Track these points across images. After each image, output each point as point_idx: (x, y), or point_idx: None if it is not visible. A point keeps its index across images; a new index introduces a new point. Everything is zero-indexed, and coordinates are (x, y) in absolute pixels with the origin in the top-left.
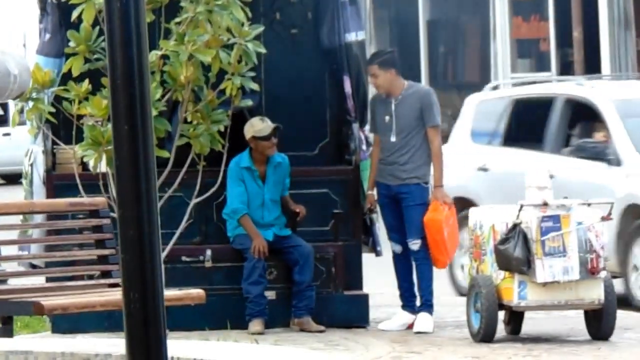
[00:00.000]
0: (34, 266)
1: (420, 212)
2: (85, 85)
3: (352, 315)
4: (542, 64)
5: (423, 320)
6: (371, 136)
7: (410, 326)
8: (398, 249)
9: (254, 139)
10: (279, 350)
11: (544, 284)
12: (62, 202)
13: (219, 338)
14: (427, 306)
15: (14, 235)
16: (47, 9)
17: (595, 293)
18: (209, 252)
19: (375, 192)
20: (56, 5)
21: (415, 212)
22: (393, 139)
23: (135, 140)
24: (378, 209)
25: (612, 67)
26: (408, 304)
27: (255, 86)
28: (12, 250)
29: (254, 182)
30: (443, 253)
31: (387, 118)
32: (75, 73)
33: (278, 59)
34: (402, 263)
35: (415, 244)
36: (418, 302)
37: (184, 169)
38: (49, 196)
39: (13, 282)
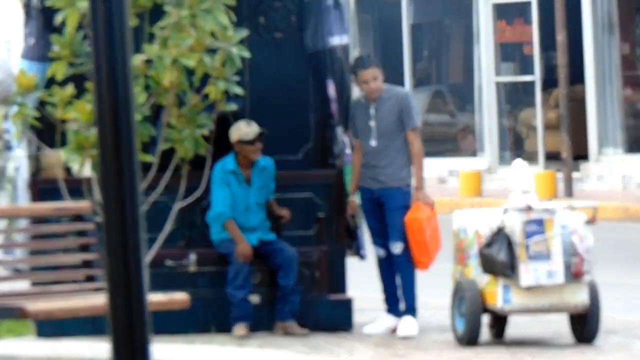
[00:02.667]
0: (18, 270)
1: (401, 215)
2: (70, 89)
3: (336, 319)
4: (526, 68)
5: (407, 324)
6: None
7: (395, 330)
8: (382, 253)
9: (239, 143)
10: (263, 354)
11: (528, 288)
12: (46, 206)
13: (203, 342)
14: (411, 310)
15: None
16: (32, 14)
17: (579, 297)
18: (193, 257)
19: (357, 197)
20: (40, 9)
21: (396, 215)
22: (373, 143)
23: (119, 144)
24: (360, 214)
25: (596, 70)
26: (392, 308)
27: (239, 90)
28: None
29: (239, 185)
30: (424, 254)
31: (367, 122)
32: (59, 77)
33: (262, 63)
34: (386, 267)
35: (397, 247)
36: (402, 306)
37: (168, 174)
38: (33, 200)
39: None
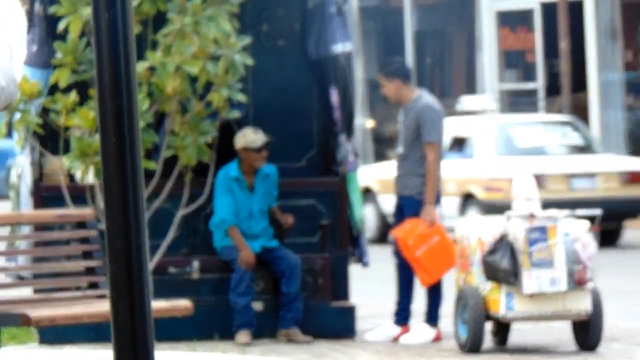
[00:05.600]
0: (21, 277)
1: None
2: (73, 96)
3: (339, 326)
4: (529, 75)
5: (416, 332)
6: (358, 147)
7: (397, 338)
8: (397, 261)
9: (244, 150)
10: None
11: (531, 295)
12: (49, 213)
13: (206, 349)
14: (429, 318)
15: (1, 246)
16: (35, 21)
17: (582, 304)
18: (196, 264)
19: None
20: (43, 16)
21: None
22: (400, 150)
23: (122, 151)
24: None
25: (599, 78)
26: (397, 315)
27: (242, 97)
28: None
29: (243, 192)
30: (419, 270)
31: (398, 128)
32: (62, 84)
33: (265, 70)
34: (401, 275)
35: None
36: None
37: (171, 181)
38: (36, 207)
39: (0, 294)
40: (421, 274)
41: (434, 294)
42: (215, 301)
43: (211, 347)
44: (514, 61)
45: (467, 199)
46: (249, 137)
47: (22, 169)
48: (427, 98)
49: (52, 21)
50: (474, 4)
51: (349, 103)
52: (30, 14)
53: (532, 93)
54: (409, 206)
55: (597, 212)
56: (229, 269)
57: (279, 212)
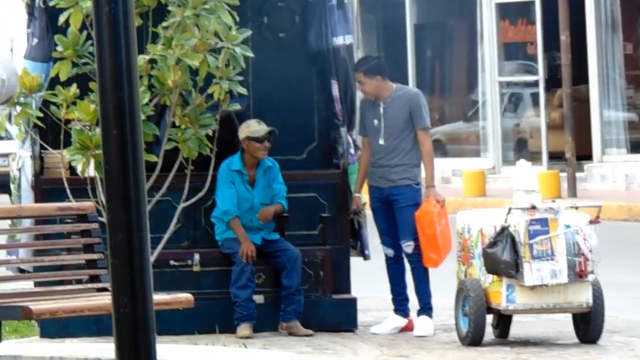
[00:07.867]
0: (22, 270)
1: (412, 213)
2: (73, 89)
3: (341, 319)
4: (529, 68)
5: (423, 324)
6: (359, 139)
7: (402, 330)
8: (390, 252)
9: (247, 140)
10: (267, 354)
11: (532, 288)
12: (50, 206)
13: (207, 342)
14: (426, 309)
15: (2, 239)
16: (35, 14)
17: (583, 296)
18: (197, 256)
19: (361, 194)
20: (44, 9)
21: (407, 213)
22: (382, 142)
23: (124, 144)
24: (368, 212)
25: (599, 70)
26: (400, 307)
27: (243, 90)
28: (0, 254)
29: (244, 185)
30: (435, 250)
31: (375, 121)
32: (63, 77)
33: (266, 63)
34: (394, 267)
35: (408, 246)
36: (417, 306)
37: (172, 173)
38: (37, 201)
39: (1, 287)
40: (435, 254)
41: (425, 283)
42: (216, 294)
43: (212, 340)
44: (515, 54)
45: None
46: (253, 127)
47: (22, 162)
48: (407, 87)
49: (52, 14)
50: None
51: (349, 96)
52: (30, 7)
53: (533, 85)
54: (408, 195)
55: (598, 203)
56: (230, 261)
57: (270, 208)
